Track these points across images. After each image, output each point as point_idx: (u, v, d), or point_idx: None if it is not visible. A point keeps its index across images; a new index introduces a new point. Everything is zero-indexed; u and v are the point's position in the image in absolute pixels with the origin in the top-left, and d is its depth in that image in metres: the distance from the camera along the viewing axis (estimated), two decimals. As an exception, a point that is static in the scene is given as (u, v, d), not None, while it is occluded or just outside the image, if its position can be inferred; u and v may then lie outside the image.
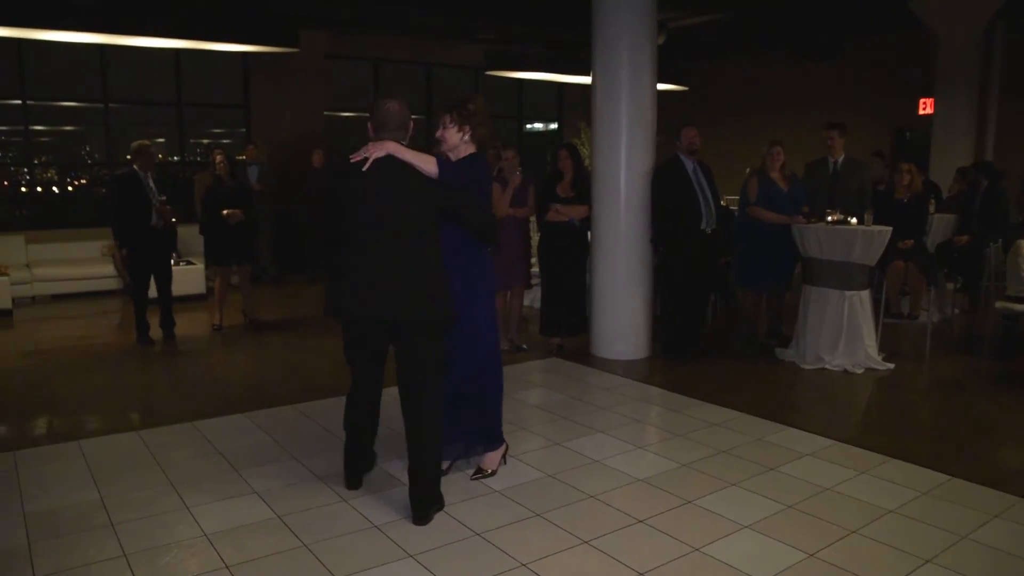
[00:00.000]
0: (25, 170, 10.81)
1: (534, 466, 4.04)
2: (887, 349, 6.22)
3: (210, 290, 8.53)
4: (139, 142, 6.78)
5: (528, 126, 15.87)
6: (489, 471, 3.89)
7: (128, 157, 7.31)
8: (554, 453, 4.24)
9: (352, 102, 13.26)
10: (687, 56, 13.34)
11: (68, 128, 11.75)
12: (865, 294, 6.01)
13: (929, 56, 10.73)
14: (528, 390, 5.47)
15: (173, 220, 6.87)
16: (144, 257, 6.76)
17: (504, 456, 4.01)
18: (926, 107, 11.95)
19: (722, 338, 7.01)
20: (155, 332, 6.96)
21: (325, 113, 12.07)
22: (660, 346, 6.44)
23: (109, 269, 9.45)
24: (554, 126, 15.78)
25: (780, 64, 13.55)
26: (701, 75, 13.92)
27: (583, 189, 6.30)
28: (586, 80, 12.58)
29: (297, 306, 8.81)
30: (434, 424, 3.45)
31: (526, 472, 3.96)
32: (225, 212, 7.00)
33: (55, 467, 4.00)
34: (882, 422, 4.96)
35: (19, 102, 10.11)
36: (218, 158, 7.22)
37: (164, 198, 6.74)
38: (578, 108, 13.18)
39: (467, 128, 3.62)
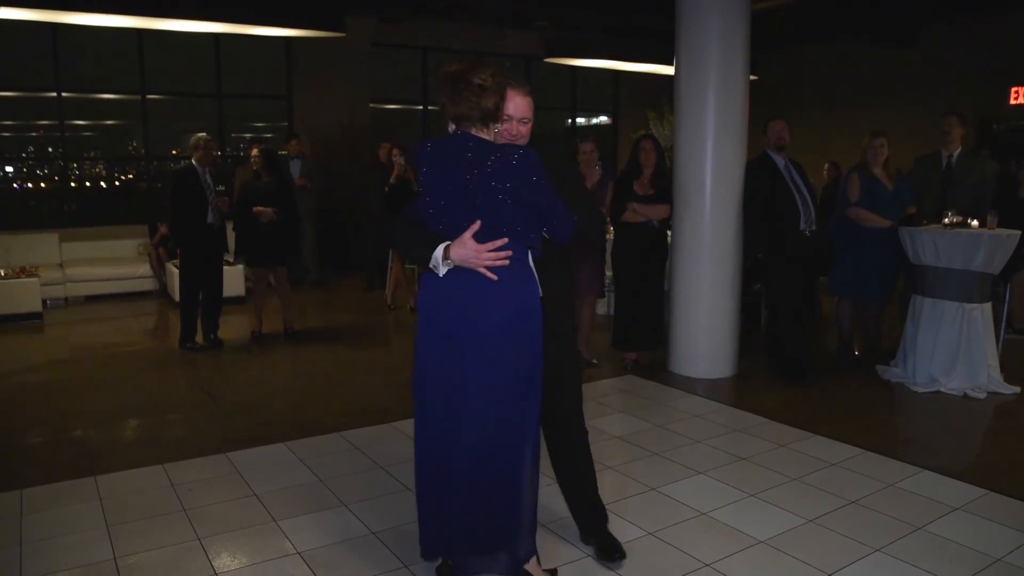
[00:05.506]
0: (62, 164, 10.39)
1: (631, 520, 3.34)
2: (1009, 369, 5.46)
3: (249, 291, 8.00)
4: (198, 135, 6.43)
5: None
6: None
7: (178, 151, 6.89)
8: (651, 502, 3.54)
9: (399, 93, 12.66)
10: (755, 43, 12.48)
11: (110, 122, 11.30)
12: (987, 307, 5.28)
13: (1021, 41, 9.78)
14: (605, 416, 4.78)
15: (224, 214, 6.49)
16: (198, 256, 6.39)
17: None
18: (1019, 96, 10.99)
19: (813, 352, 6.21)
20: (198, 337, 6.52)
21: (371, 105, 11.47)
22: (776, 368, 5.66)
23: (145, 269, 9.00)
24: (598, 119, 14.88)
25: (853, 52, 12.62)
26: (768, 63, 13.04)
27: (663, 186, 5.59)
28: (654, 68, 11.97)
29: (343, 312, 8.18)
30: None
31: (623, 528, 3.24)
32: (256, 210, 6.47)
33: (65, 512, 3.41)
34: (1032, 463, 4.17)
35: (54, 95, 9.66)
36: (254, 152, 6.69)
37: (222, 188, 6.44)
38: (637, 98, 12.40)
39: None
